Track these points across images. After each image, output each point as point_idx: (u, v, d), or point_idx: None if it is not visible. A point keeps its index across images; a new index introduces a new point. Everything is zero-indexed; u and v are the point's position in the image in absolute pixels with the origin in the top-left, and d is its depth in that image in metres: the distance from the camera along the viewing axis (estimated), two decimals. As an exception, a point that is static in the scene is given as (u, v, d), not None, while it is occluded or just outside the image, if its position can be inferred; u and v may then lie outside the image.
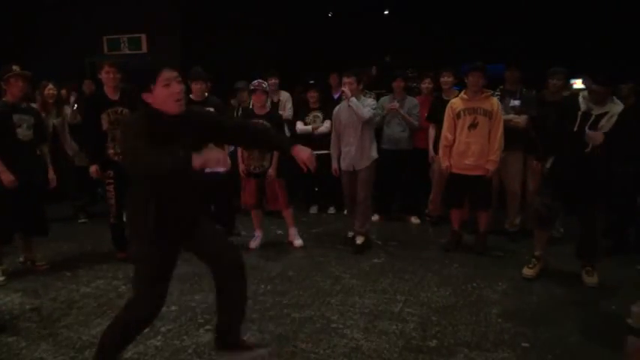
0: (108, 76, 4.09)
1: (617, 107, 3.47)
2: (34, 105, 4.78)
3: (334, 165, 4.61)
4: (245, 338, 2.72)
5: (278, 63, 7.24)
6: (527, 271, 3.81)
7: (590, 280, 3.61)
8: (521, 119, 4.55)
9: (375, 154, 4.46)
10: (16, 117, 3.81)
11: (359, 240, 4.49)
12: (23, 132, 3.84)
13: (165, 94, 2.16)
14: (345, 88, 4.29)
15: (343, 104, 4.49)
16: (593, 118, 3.45)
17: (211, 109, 4.53)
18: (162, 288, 2.35)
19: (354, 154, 4.38)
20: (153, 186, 2.22)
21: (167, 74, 2.17)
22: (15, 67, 3.79)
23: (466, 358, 2.67)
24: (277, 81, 6.01)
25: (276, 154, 4.47)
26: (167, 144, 2.12)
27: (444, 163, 4.37)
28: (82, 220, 5.59)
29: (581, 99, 3.55)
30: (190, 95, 4.63)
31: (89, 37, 8.13)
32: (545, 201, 3.70)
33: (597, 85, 3.42)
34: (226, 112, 5.12)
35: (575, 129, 3.49)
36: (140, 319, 2.34)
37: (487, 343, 2.81)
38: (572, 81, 6.64)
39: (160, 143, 2.10)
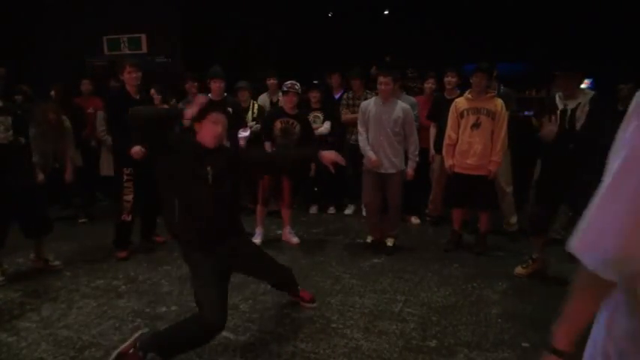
0: (130, 76, 4.19)
1: (587, 96, 3.46)
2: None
3: (372, 156, 4.25)
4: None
5: (278, 63, 7.23)
6: (518, 270, 3.88)
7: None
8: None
9: (403, 164, 4.34)
10: None
11: (389, 242, 4.48)
12: (0, 135, 3.63)
13: (210, 129, 2.63)
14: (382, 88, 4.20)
15: (376, 100, 4.34)
16: (569, 113, 3.46)
17: (230, 109, 4.57)
18: (220, 298, 2.50)
19: (382, 157, 4.27)
20: (176, 192, 2.62)
21: (217, 116, 2.64)
22: None
23: (466, 358, 2.68)
24: (276, 82, 6.02)
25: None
26: (194, 166, 2.59)
27: (447, 162, 4.37)
28: (82, 220, 5.59)
29: (557, 99, 3.57)
30: (209, 94, 4.66)
31: (89, 37, 8.13)
32: (534, 209, 3.75)
33: (560, 71, 3.44)
34: (242, 111, 5.14)
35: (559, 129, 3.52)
36: (199, 333, 2.43)
37: (487, 343, 2.82)
38: (585, 80, 6.64)
39: (188, 163, 2.59)
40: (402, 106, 4.30)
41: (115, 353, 2.45)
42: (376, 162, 4.26)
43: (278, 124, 4.53)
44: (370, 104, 4.36)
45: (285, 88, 4.55)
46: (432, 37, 8.58)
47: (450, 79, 5.00)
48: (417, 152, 4.37)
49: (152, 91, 5.71)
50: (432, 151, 5.13)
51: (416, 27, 8.89)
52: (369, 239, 4.64)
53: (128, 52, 8.17)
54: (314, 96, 5.66)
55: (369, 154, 4.29)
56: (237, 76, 5.92)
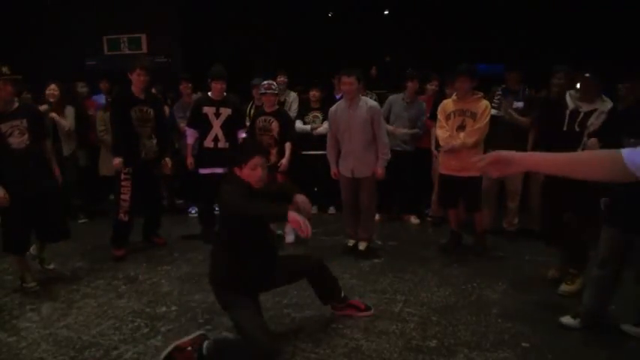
0: (139, 78, 4.28)
1: (606, 104, 3.34)
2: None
3: (333, 169, 4.40)
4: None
5: (278, 63, 7.23)
6: (564, 288, 3.52)
7: (568, 288, 3.45)
8: (526, 120, 4.54)
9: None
10: (5, 126, 3.40)
11: (361, 246, 4.38)
12: (16, 140, 3.44)
13: (251, 174, 2.62)
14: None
15: (341, 104, 4.24)
16: (581, 115, 3.34)
17: (229, 110, 4.63)
18: (265, 326, 2.61)
19: (354, 160, 4.19)
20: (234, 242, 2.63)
21: (256, 160, 2.61)
22: (4, 69, 3.37)
23: (466, 358, 2.67)
24: (286, 80, 6.01)
25: (288, 148, 4.74)
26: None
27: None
28: (82, 220, 5.59)
29: (568, 97, 3.44)
30: (209, 93, 4.67)
31: (89, 37, 8.14)
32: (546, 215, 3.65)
33: (591, 75, 3.29)
34: (242, 110, 5.19)
35: (565, 128, 3.38)
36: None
37: (487, 343, 2.81)
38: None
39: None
40: (369, 105, 4.14)
41: (172, 345, 2.56)
42: (336, 175, 4.39)
43: (259, 123, 4.77)
44: (337, 109, 4.22)
45: (262, 90, 4.72)
46: (432, 37, 8.58)
47: None
48: (386, 150, 4.18)
49: (152, 90, 5.70)
50: (435, 151, 5.12)
51: (416, 27, 8.88)
52: (350, 243, 4.51)
53: (128, 52, 8.18)
54: (314, 95, 5.66)
55: (332, 166, 4.40)
56: (237, 76, 5.91)
